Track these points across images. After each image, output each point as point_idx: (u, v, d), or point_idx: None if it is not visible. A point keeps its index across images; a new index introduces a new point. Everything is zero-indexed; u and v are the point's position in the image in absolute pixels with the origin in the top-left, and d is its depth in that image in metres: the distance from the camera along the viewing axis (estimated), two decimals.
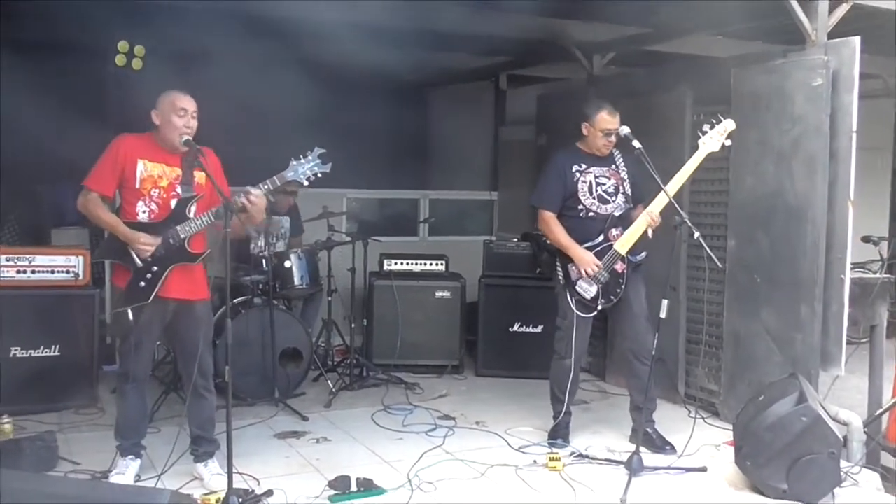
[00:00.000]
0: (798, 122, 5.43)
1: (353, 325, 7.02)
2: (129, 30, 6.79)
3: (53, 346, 5.83)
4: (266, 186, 4.47)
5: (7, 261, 5.77)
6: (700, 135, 5.11)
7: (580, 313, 5.29)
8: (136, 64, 6.85)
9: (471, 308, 7.38)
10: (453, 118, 10.01)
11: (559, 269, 5.35)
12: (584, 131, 5.33)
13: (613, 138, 5.25)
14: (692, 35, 7.08)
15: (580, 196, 5.29)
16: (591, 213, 5.30)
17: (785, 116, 5.51)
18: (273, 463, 5.05)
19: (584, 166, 5.34)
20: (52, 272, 5.89)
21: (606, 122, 5.24)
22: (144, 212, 4.50)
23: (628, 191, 5.35)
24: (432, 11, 6.38)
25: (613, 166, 5.38)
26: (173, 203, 4.51)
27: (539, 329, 7.09)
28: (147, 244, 4.42)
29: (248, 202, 4.39)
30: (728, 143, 5.11)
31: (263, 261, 6.41)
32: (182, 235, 4.48)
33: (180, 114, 4.46)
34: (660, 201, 5.06)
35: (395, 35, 6.83)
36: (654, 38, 7.24)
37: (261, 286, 6.40)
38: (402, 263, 7.37)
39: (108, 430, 4.92)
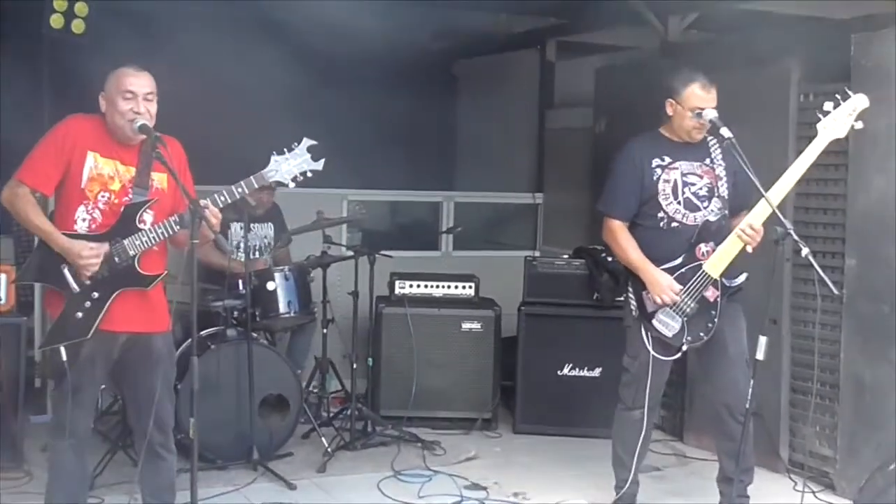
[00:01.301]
0: None
1: (354, 366, 7.01)
2: None
3: None
4: (223, 198, 4.47)
5: None
6: (820, 116, 4.96)
7: (658, 355, 5.22)
8: (77, 26, 6.89)
9: (508, 344, 7.36)
10: (487, 98, 10.02)
11: (632, 296, 5.29)
12: (669, 110, 5.25)
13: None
14: None
15: (661, 200, 5.21)
16: (674, 224, 5.22)
17: None
18: None
19: (667, 160, 5.25)
20: None
21: (699, 98, 5.13)
22: (84, 220, 4.48)
23: (725, 194, 5.25)
24: None
25: (708, 160, 5.27)
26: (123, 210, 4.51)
27: (596, 373, 7.08)
28: (90, 258, 4.40)
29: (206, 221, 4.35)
30: (859, 125, 4.94)
31: (240, 282, 6.41)
32: (131, 252, 4.45)
33: (126, 97, 4.44)
34: (761, 211, 4.97)
35: None
36: None
37: (236, 314, 6.42)
38: (418, 286, 7.38)
39: (38, 498, 4.92)
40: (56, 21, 6.83)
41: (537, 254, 8.90)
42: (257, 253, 7.17)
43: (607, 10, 7.87)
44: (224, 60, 7.37)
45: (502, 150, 10.24)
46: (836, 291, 5.14)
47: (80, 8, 6.85)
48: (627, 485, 5.45)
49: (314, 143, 4.55)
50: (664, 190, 5.23)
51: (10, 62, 7.09)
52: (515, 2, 7.84)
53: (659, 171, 5.24)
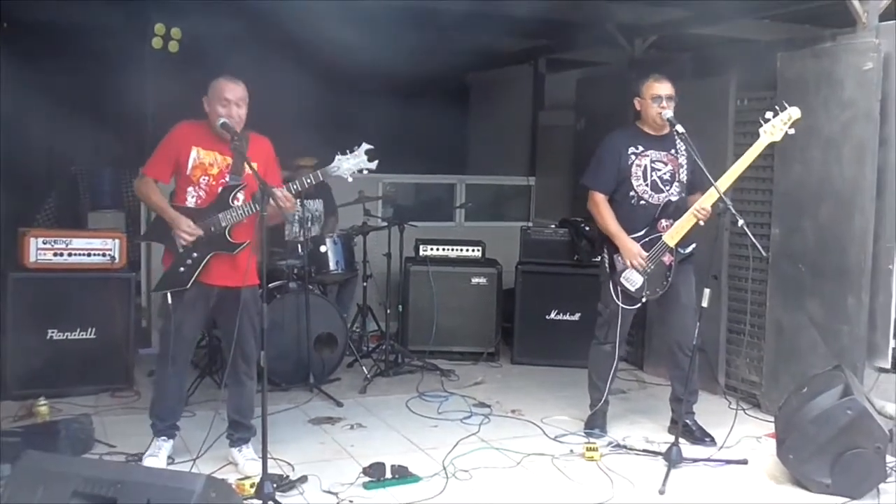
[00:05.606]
0: (847, 107, 5.34)
1: (388, 311, 7.03)
2: (166, 12, 6.83)
3: (90, 329, 5.90)
4: (295, 186, 4.47)
5: (44, 244, 5.84)
6: (761, 122, 4.93)
7: (624, 305, 5.22)
8: (173, 46, 6.89)
9: (507, 295, 7.36)
10: (491, 102, 9.96)
11: (605, 256, 5.28)
12: (637, 106, 5.23)
13: (666, 104, 5.11)
14: (737, 18, 6.98)
15: (633, 181, 5.18)
16: (641, 202, 5.19)
17: (834, 102, 5.42)
18: (307, 449, 5.09)
19: (640, 148, 5.21)
20: (89, 255, 5.95)
21: (654, 87, 5.13)
22: (192, 197, 4.56)
23: (684, 178, 5.23)
24: None
25: (673, 151, 5.23)
26: (220, 191, 4.55)
27: (577, 317, 7.07)
28: (187, 232, 4.47)
29: (276, 202, 4.36)
30: (791, 132, 4.92)
31: (299, 245, 6.44)
32: (223, 224, 4.51)
33: (223, 103, 4.47)
34: (710, 196, 4.95)
35: (433, 17, 6.81)
36: (697, 21, 7.14)
37: (296, 271, 6.42)
38: (438, 249, 7.37)
39: (144, 413, 4.98)
40: (156, 43, 6.81)
41: (531, 224, 8.83)
42: (308, 222, 7.15)
43: (586, 33, 7.84)
44: (289, 68, 7.33)
45: (503, 143, 10.19)
46: (764, 254, 5.22)
47: (176, 32, 6.83)
48: (599, 404, 5.48)
49: (371, 147, 4.46)
50: (636, 173, 5.20)
51: (119, 75, 7.08)
52: (514, 27, 7.77)
53: (633, 157, 5.21)
